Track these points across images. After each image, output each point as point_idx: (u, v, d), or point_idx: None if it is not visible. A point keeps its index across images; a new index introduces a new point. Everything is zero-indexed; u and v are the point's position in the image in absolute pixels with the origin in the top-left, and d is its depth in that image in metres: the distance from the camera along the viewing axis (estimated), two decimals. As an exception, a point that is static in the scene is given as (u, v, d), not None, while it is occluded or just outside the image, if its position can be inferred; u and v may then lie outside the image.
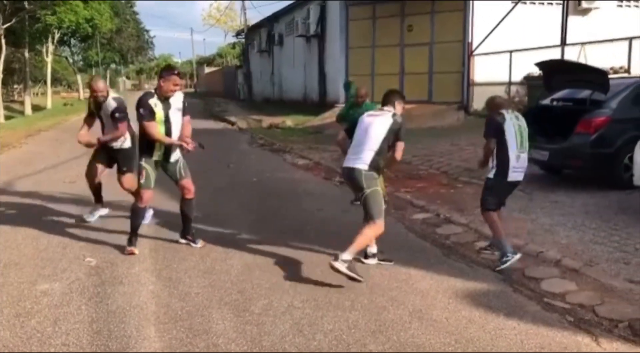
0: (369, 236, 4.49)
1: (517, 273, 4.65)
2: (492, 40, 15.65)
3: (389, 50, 18.57)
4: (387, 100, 4.80)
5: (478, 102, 16.76)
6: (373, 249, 4.86)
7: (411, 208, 6.93)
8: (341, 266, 4.21)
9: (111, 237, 5.61)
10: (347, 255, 4.26)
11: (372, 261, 4.87)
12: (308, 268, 4.75)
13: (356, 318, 3.76)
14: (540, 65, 8.06)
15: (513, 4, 15.68)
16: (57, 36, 34.71)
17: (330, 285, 4.31)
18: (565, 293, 4.19)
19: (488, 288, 4.34)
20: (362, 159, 4.49)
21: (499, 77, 15.77)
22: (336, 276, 4.52)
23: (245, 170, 10.19)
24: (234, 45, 61.63)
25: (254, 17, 38.38)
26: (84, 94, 54.02)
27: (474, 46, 16.45)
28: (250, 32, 35.17)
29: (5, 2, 25.05)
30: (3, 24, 26.70)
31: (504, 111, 4.94)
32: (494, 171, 4.97)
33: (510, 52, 15.20)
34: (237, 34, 40.77)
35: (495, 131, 4.93)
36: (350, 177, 4.55)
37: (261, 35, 32.15)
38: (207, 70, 59.43)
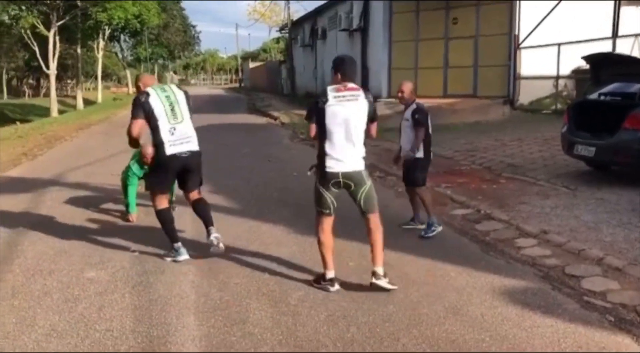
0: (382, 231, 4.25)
1: (557, 270, 4.57)
2: (539, 33, 15.27)
3: (432, 43, 18.35)
4: (351, 71, 4.09)
5: (524, 96, 16.42)
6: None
7: (451, 204, 6.87)
8: (384, 282, 4.09)
9: (155, 229, 5.78)
10: (382, 269, 4.15)
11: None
12: (344, 261, 4.79)
13: (390, 312, 3.79)
14: (588, 58, 7.84)
15: (562, -5, 15.25)
16: (107, 32, 35.77)
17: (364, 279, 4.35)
18: (606, 292, 4.09)
19: (526, 285, 4.28)
20: (358, 156, 4.07)
21: (546, 71, 15.38)
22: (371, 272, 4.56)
23: (286, 164, 10.28)
24: (278, 40, 62.11)
25: (297, 12, 38.52)
26: (132, 88, 55.57)
27: (520, 39, 16.08)
28: (294, 26, 35.32)
29: (59, 1, 25.93)
30: (57, 21, 27.73)
31: None
32: (421, 152, 5.57)
33: (559, 44, 14.79)
34: (281, 29, 40.99)
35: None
36: (352, 179, 4.08)
37: (304, 30, 32.25)
38: (252, 65, 60.00)
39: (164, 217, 4.88)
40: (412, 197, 5.93)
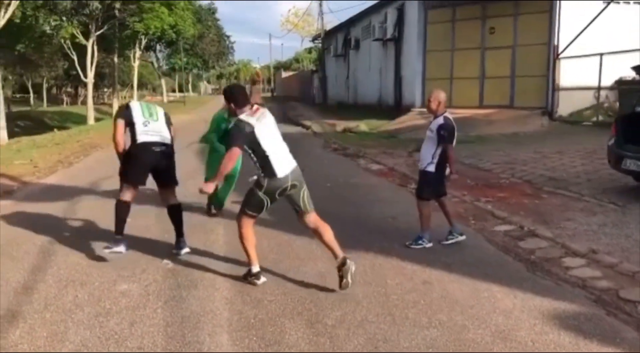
0: None
1: (611, 294, 4.28)
2: (580, 43, 14.86)
3: (468, 53, 18.08)
4: (242, 98, 4.52)
5: (563, 108, 15.98)
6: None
7: (492, 220, 6.60)
8: (353, 268, 4.32)
9: (189, 241, 5.69)
10: (343, 256, 4.39)
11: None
12: (382, 280, 4.60)
13: (434, 336, 3.57)
14: (638, 68, 7.49)
15: (605, 4, 14.80)
16: (143, 42, 36.39)
17: (405, 300, 4.15)
18: (667, 320, 3.80)
19: (578, 309, 4.01)
20: (290, 154, 4.52)
21: (586, 82, 14.95)
22: (412, 290, 4.35)
23: (319, 174, 10.14)
24: (310, 50, 62.39)
25: (330, 22, 38.51)
26: (167, 97, 56.45)
27: (560, 49, 15.68)
28: (327, 36, 35.37)
29: (97, 11, 26.52)
30: (96, 31, 28.32)
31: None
32: (433, 166, 5.45)
33: (601, 54, 14.34)
34: (314, 39, 41.12)
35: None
36: (298, 178, 4.45)
37: (337, 40, 32.25)
38: (284, 74, 60.37)
39: (121, 208, 5.18)
40: (443, 208, 5.73)
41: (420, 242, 5.52)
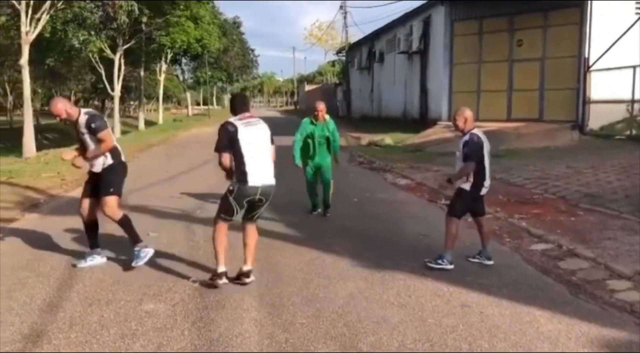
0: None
1: (663, 321, 4.01)
2: (611, 55, 14.50)
3: (496, 66, 17.82)
4: (242, 105, 4.78)
5: (594, 121, 15.59)
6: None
7: (528, 238, 6.35)
8: (250, 279, 4.80)
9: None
10: (250, 267, 4.84)
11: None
12: (417, 302, 4.40)
13: (476, 365, 3.36)
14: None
15: (638, 16, 14.45)
16: (169, 56, 36.78)
17: (442, 325, 3.94)
18: None
19: (629, 338, 3.76)
20: (272, 172, 4.71)
21: (619, 94, 14.55)
22: (450, 314, 4.14)
23: (345, 189, 9.97)
24: (333, 63, 62.53)
25: (354, 35, 38.53)
26: (192, 110, 56.99)
27: (591, 61, 15.32)
28: (351, 49, 35.38)
29: (125, 26, 26.93)
30: (123, 45, 28.71)
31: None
32: (468, 184, 5.27)
33: (634, 67, 13.96)
34: (338, 52, 41.18)
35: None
36: (267, 193, 4.67)
37: (362, 53, 32.21)
38: (307, 87, 60.54)
39: (129, 220, 5.42)
40: (480, 228, 5.51)
41: (439, 261, 5.22)
